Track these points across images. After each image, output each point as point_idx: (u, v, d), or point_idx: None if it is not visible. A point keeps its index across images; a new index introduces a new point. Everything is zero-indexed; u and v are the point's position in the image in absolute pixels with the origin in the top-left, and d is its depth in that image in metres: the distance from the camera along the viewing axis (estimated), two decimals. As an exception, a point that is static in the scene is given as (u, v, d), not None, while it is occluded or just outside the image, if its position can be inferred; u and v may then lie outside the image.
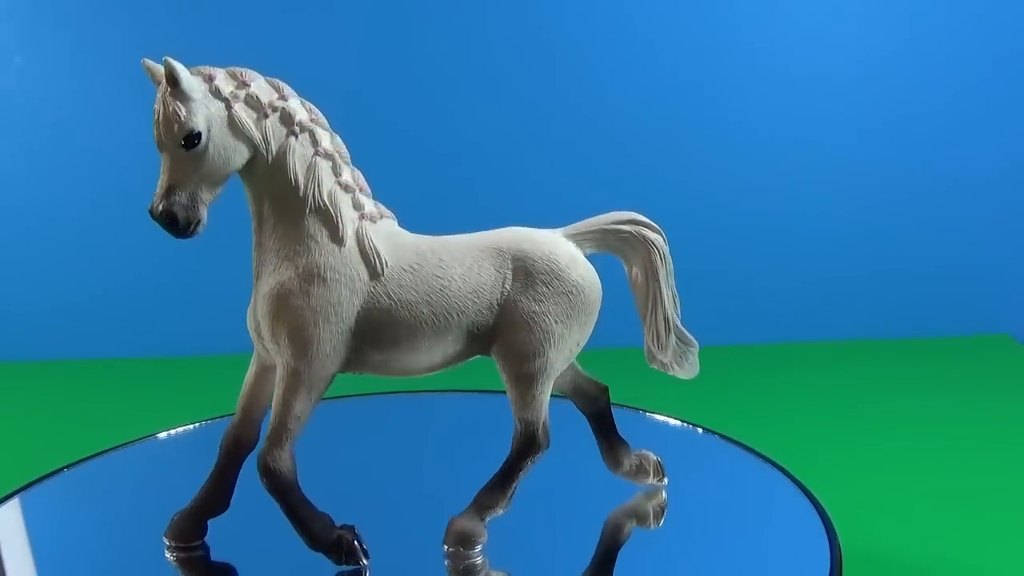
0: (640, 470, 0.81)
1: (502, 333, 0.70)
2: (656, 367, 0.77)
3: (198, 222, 0.64)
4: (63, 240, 1.98)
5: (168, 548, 0.73)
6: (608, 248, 0.76)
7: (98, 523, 0.80)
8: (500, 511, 0.71)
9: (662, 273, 0.75)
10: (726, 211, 1.98)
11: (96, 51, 1.91)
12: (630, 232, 0.75)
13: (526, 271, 0.70)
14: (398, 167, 1.92)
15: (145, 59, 0.64)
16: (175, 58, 0.62)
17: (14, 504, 0.83)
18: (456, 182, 1.95)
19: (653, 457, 0.82)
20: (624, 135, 1.96)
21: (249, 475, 0.70)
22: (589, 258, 0.74)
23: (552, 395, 0.73)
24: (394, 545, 0.73)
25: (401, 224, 0.74)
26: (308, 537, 0.68)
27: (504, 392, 0.71)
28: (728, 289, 1.98)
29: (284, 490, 0.67)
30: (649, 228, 0.75)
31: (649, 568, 0.71)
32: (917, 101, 1.94)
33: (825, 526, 0.74)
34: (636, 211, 0.76)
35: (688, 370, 0.78)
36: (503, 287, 0.70)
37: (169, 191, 0.63)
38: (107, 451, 0.95)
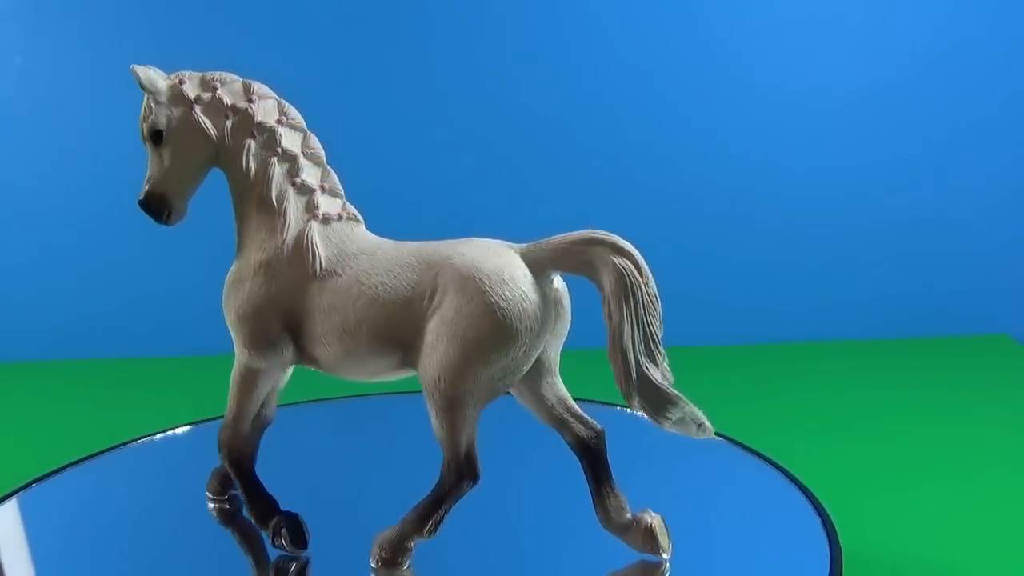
0: (630, 531, 0.70)
1: (420, 351, 0.65)
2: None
3: (170, 211, 0.71)
4: (63, 240, 1.98)
5: (208, 499, 0.82)
6: (570, 269, 0.66)
7: (97, 523, 0.81)
8: (424, 538, 0.67)
9: (627, 307, 0.62)
10: (726, 212, 1.98)
11: (98, 52, 1.91)
12: (588, 253, 0.64)
13: (448, 286, 0.64)
14: (392, 174, 1.92)
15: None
16: (145, 61, 0.71)
17: (12, 504, 0.83)
18: (458, 188, 1.95)
19: (649, 521, 0.70)
20: (625, 135, 1.96)
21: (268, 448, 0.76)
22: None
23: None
24: (336, 542, 0.74)
25: (375, 228, 0.74)
26: (251, 513, 0.73)
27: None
28: (728, 289, 1.98)
29: (234, 465, 0.74)
30: (613, 250, 0.64)
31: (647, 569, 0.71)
32: (917, 102, 1.94)
33: (825, 526, 0.74)
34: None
35: (678, 427, 0.66)
36: (424, 301, 0.65)
37: (147, 182, 0.72)
38: (106, 451, 0.95)
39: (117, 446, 0.96)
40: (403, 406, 1.11)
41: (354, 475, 0.91)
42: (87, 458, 0.93)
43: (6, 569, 0.72)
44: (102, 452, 0.95)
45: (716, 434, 0.94)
